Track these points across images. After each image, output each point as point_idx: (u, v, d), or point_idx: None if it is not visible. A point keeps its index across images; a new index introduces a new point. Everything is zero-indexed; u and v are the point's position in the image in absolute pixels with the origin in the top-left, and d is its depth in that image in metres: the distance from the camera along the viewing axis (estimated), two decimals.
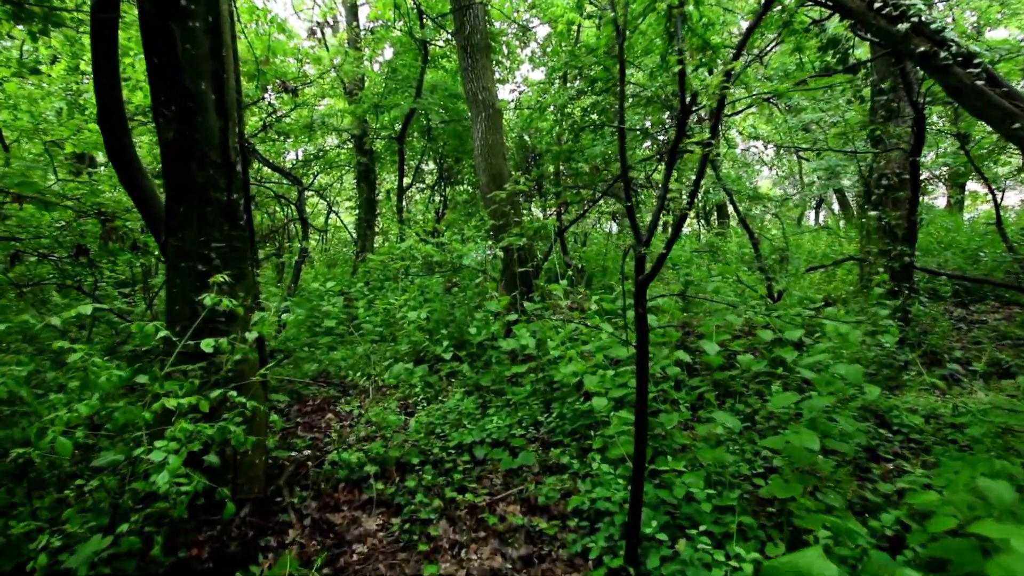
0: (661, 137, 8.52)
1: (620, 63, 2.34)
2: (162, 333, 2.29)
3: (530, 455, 3.38)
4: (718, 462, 2.63)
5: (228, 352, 2.43)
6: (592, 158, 5.33)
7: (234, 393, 2.29)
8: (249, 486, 2.88)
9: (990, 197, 16.95)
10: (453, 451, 3.62)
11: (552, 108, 6.91)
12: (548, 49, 11.68)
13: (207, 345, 2.31)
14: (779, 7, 3.50)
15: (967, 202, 16.63)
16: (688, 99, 2.26)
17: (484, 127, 6.90)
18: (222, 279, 2.53)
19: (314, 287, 7.12)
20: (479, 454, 3.56)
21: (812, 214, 19.50)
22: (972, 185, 16.34)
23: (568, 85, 6.85)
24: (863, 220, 6.46)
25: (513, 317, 4.35)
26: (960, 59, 4.08)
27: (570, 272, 5.10)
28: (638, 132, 5.36)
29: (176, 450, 1.93)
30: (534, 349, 4.08)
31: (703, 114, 5.96)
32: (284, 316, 5.40)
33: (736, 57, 2.19)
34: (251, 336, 2.58)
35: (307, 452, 3.79)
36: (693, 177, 15.12)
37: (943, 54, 4.08)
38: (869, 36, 5.78)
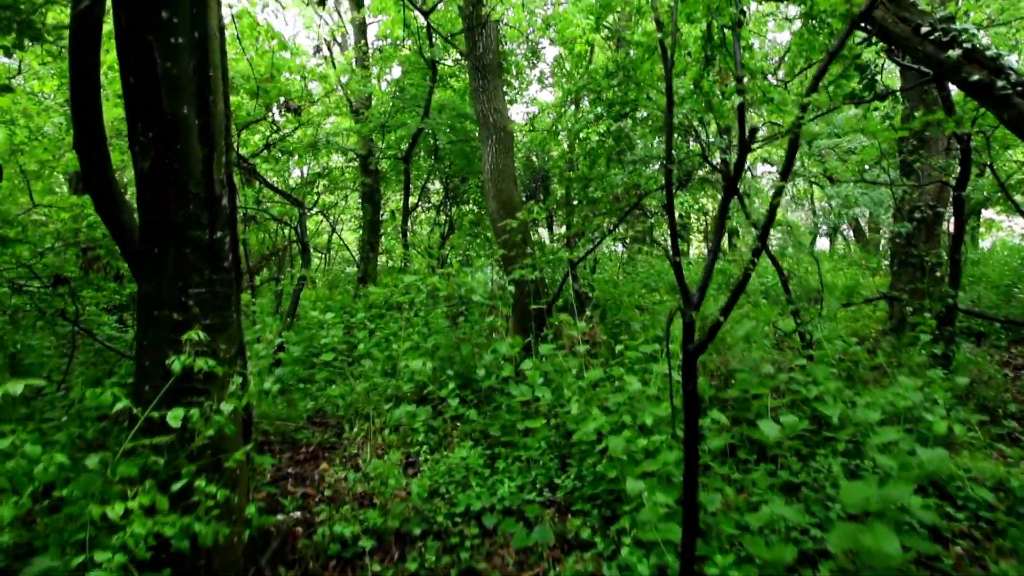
0: (664, 165, 8.20)
1: (668, 87, 1.99)
2: (121, 404, 1.93)
3: (547, 531, 2.98)
4: (776, 561, 2.23)
5: (200, 425, 2.06)
6: (612, 187, 4.99)
7: (202, 482, 1.92)
8: (225, 572, 2.49)
9: (1008, 227, 16.45)
10: (459, 519, 3.22)
11: (564, 132, 6.61)
12: (558, 70, 11.46)
13: (174, 419, 1.94)
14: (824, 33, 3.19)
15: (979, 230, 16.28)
16: (748, 133, 1.92)
17: (495, 150, 6.60)
18: (196, 336, 2.17)
19: (313, 315, 6.77)
20: (488, 523, 3.16)
21: (824, 241, 19.15)
22: (985, 213, 16.00)
23: (582, 108, 6.57)
24: (893, 253, 6.10)
25: (528, 365, 3.97)
26: (1020, 88, 3.74)
27: (589, 313, 4.72)
28: (690, 154, 4.99)
29: (124, 564, 1.55)
30: (549, 398, 3.70)
31: (724, 145, 5.62)
32: (279, 357, 5.02)
33: (812, 91, 1.84)
34: (227, 407, 2.20)
35: (296, 514, 3.39)
36: (707, 202, 14.70)
37: (1000, 83, 3.74)
38: (904, 62, 5.47)
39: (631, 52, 4.73)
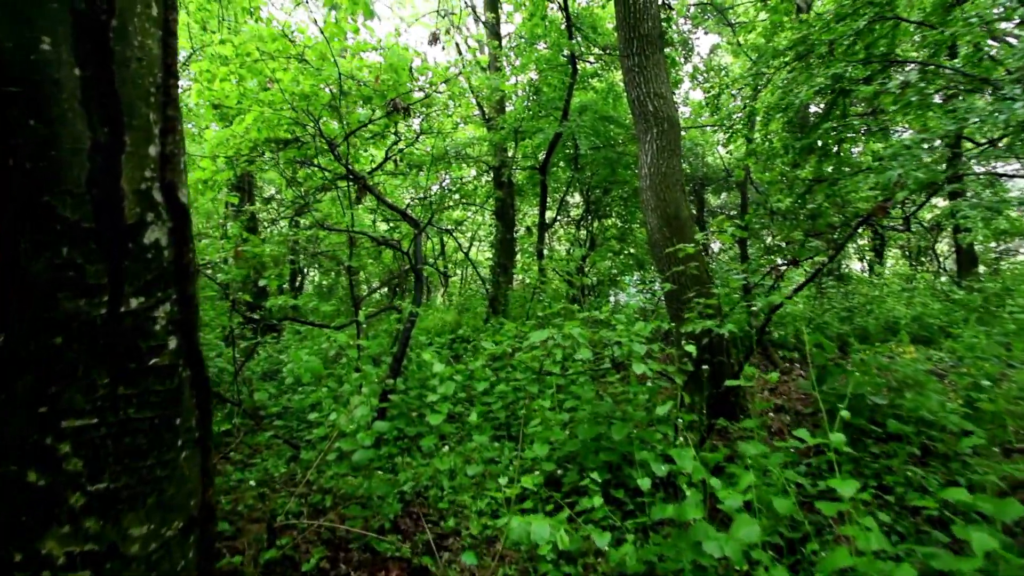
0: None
1: None
2: None
3: None
4: None
5: None
6: (885, 185, 2.98)
7: None
8: None
9: None
10: None
11: (759, 117, 4.72)
12: (737, 41, 9.45)
13: None
14: None
15: None
16: None
17: (655, 147, 4.91)
18: None
19: (427, 358, 5.59)
20: None
21: None
22: None
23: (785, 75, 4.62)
24: None
25: (738, 511, 2.23)
26: None
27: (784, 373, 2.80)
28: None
29: None
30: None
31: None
32: (375, 426, 3.82)
33: None
34: None
35: None
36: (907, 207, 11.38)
37: None
38: None
39: None
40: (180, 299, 1.37)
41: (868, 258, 11.25)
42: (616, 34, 5.70)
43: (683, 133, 12.25)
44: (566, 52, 9.19)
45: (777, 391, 6.01)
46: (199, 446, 1.46)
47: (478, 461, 4.06)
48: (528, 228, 14.10)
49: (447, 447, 4.83)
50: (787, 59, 3.50)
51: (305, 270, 14.31)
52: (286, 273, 12.04)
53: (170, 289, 1.34)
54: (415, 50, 6.77)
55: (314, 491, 4.16)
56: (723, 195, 16.39)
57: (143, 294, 1.27)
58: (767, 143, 4.35)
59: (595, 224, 12.80)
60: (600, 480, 3.18)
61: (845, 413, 2.10)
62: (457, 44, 9.12)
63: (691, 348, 3.05)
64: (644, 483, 2.84)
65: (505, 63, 9.82)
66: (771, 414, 3.69)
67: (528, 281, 12.79)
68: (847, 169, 3.70)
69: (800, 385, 4.20)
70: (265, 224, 12.61)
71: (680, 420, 2.79)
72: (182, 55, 6.89)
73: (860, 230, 4.46)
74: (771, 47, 3.81)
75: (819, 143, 3.63)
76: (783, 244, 3.78)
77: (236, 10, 6.55)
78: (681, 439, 2.80)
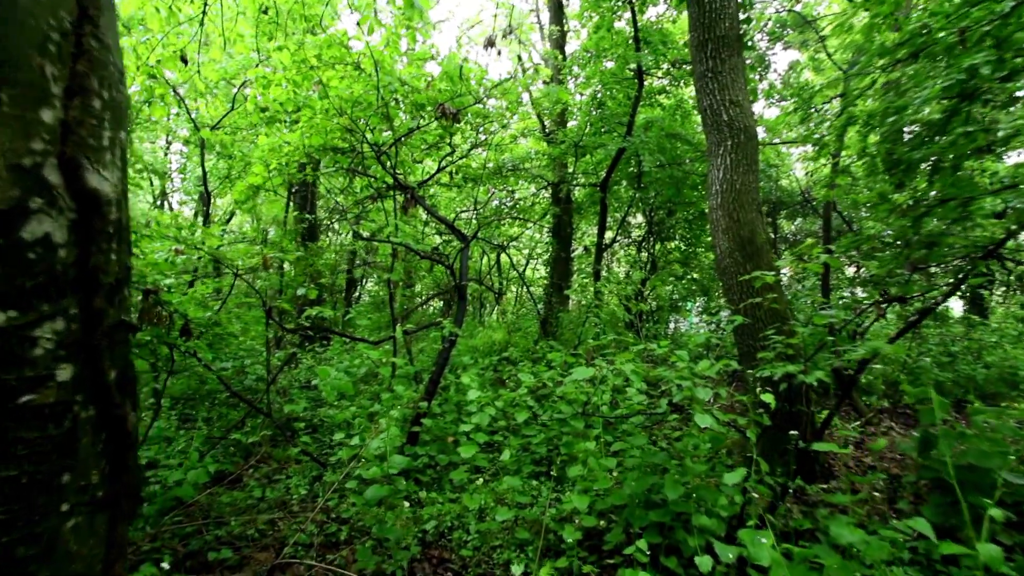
0: None
1: None
2: None
3: None
4: None
5: None
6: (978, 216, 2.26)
7: None
8: None
9: None
10: None
11: (858, 125, 4.11)
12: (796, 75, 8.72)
13: None
14: None
15: None
16: None
17: (729, 161, 4.36)
18: None
19: (466, 382, 5.22)
20: None
21: None
22: None
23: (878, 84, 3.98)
24: None
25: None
26: None
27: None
28: None
29: None
30: None
31: None
32: (394, 460, 3.46)
33: None
34: None
35: None
36: None
37: None
38: None
39: None
40: (84, 314, 1.03)
41: (982, 295, 9.79)
42: (687, 47, 5.22)
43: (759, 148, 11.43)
44: (632, 65, 8.73)
45: (865, 447, 5.18)
46: (105, 509, 1.10)
47: (511, 504, 3.61)
48: (586, 248, 13.58)
49: (481, 479, 4.42)
50: (900, 55, 2.91)
51: (364, 280, 14.36)
52: (341, 283, 12.08)
53: (65, 300, 1.00)
54: (476, 62, 6.49)
55: (331, 519, 3.84)
56: (798, 220, 15.30)
57: (16, 306, 0.93)
58: (867, 158, 3.70)
59: (657, 246, 12.13)
60: (648, 546, 2.65)
61: (996, 512, 1.52)
62: (519, 56, 8.85)
63: (768, 397, 2.50)
64: (704, 563, 2.30)
65: (569, 78, 9.48)
66: (874, 492, 3.04)
67: (583, 303, 12.25)
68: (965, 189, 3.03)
69: (901, 447, 3.50)
70: (328, 233, 12.75)
71: (755, 495, 2.23)
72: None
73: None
74: (879, 42, 3.21)
75: (933, 158, 2.99)
76: (886, 277, 3.13)
77: (298, 19, 6.53)
78: (753, 520, 2.24)
